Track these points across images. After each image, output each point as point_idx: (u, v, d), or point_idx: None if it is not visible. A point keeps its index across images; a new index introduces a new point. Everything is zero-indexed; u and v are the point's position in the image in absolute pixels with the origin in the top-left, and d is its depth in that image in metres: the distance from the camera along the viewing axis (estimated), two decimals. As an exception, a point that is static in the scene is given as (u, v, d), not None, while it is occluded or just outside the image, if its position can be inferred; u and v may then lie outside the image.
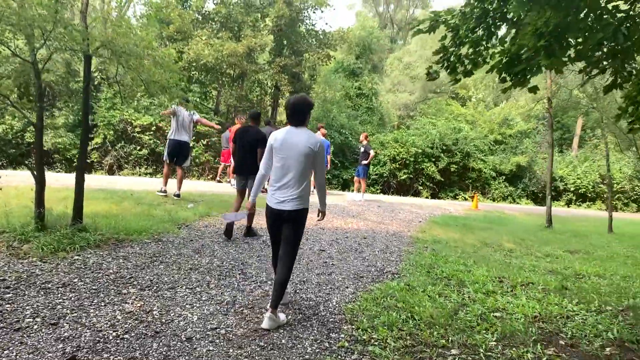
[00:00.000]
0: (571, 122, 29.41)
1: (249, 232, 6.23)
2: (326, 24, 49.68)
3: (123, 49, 5.18)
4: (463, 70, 4.39)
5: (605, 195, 22.30)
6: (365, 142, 11.61)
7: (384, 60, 25.34)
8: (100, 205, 6.90)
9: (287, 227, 3.43)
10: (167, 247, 5.27)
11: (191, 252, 5.21)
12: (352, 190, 14.35)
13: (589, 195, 21.97)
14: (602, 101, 11.40)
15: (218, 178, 13.01)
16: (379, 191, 18.08)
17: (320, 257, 5.62)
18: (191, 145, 13.52)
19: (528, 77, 4.05)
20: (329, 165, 11.94)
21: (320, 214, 3.74)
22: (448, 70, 4.40)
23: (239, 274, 4.58)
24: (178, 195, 8.28)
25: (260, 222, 6.87)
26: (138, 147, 14.38)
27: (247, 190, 6.19)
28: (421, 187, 19.07)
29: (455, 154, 19.56)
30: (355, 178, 12.05)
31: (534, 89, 4.08)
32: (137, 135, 14.34)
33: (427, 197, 18.78)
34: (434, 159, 19.14)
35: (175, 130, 8.13)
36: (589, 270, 6.23)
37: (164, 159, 8.32)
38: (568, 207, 21.42)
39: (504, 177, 20.93)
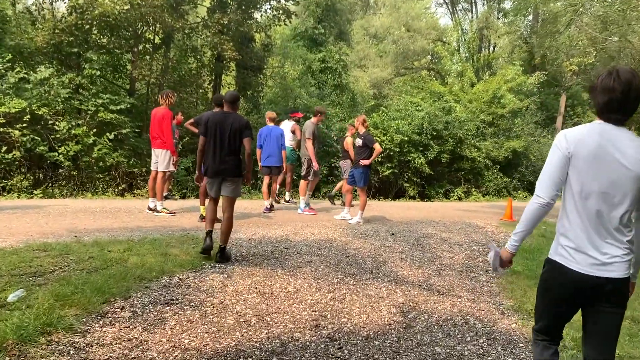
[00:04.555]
0: (551, 99, 26.56)
1: (223, 254, 4.46)
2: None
3: None
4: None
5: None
6: (363, 131, 7.29)
7: (352, 24, 20.61)
8: None
9: (605, 308, 1.81)
10: None
11: None
12: (336, 201, 10.07)
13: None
14: None
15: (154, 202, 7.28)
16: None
17: None
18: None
19: None
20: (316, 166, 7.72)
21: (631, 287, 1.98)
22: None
23: None
24: None
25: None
26: (4, 147, 9.33)
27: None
28: (407, 184, 15.07)
29: (447, 141, 15.70)
30: (347, 186, 7.69)
31: None
32: (3, 129, 9.28)
33: (414, 197, 14.91)
34: (421, 148, 15.17)
35: None
36: None
37: None
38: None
39: (498, 167, 17.42)
